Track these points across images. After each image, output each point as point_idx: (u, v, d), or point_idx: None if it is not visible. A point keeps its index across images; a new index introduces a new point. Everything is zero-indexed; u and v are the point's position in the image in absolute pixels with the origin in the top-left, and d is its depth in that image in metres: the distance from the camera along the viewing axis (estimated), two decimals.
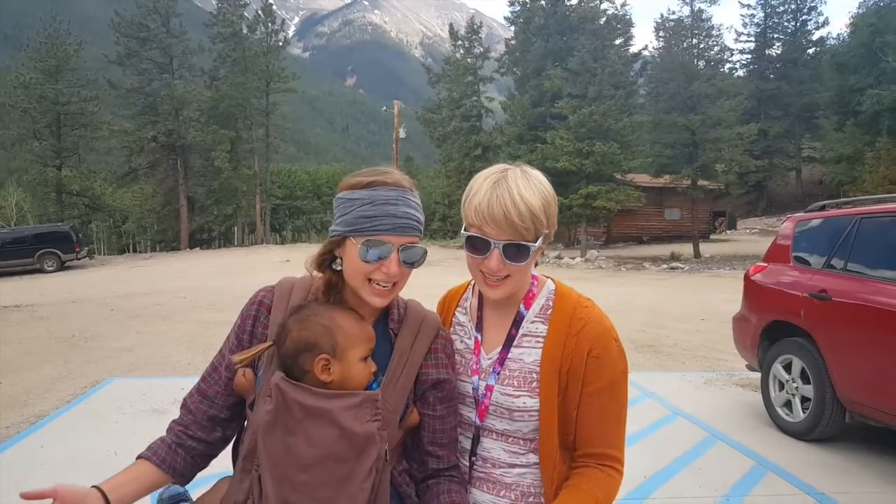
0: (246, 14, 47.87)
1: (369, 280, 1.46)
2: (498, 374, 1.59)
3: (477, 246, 1.50)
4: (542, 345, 1.57)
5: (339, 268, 1.51)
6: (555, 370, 1.54)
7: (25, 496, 1.23)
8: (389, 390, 1.47)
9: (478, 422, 1.62)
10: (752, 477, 4.46)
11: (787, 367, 5.38)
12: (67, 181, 39.31)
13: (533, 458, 1.61)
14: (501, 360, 1.60)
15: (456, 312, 1.74)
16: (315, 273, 1.56)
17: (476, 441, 1.64)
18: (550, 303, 1.62)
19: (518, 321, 1.61)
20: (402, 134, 40.65)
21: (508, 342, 1.61)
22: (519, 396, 1.56)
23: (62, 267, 27.78)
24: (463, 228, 1.56)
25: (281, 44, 49.67)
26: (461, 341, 1.69)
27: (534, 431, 1.58)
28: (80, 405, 6.44)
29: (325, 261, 1.53)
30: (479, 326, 1.67)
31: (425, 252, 1.51)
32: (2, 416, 6.09)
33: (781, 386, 5.46)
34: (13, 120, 40.21)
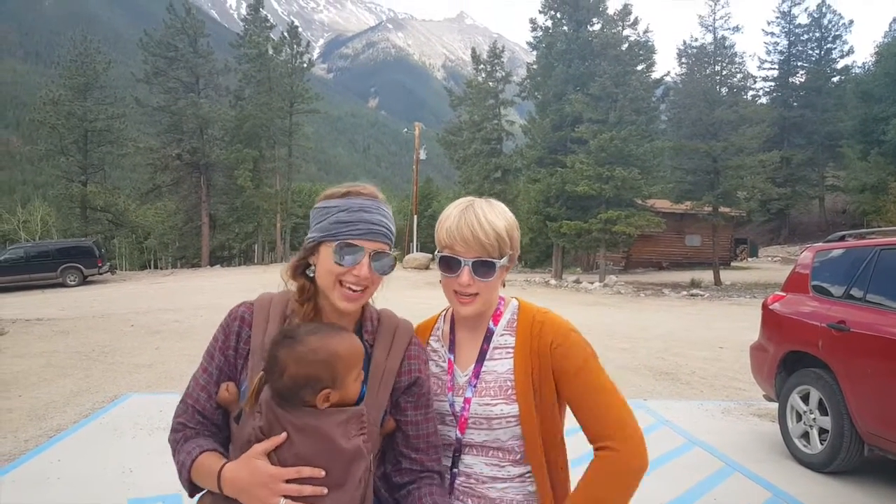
0: (272, 35, 48.62)
1: (340, 283, 1.50)
2: (474, 386, 1.69)
3: (449, 265, 1.67)
4: (512, 354, 1.70)
5: (312, 275, 1.56)
6: (527, 374, 1.66)
7: None
8: (370, 403, 1.51)
9: (458, 435, 1.69)
10: None
11: (805, 398, 5.32)
12: (92, 197, 40.12)
13: (514, 470, 1.67)
14: (476, 373, 1.71)
15: (430, 341, 1.83)
16: (290, 283, 1.61)
17: (457, 457, 1.70)
18: (515, 316, 1.76)
19: (489, 336, 1.74)
20: (422, 155, 40.97)
21: (481, 356, 1.72)
22: (496, 404, 1.66)
23: (84, 281, 28.01)
24: (436, 252, 1.72)
25: (305, 65, 50.55)
26: (436, 365, 1.78)
27: (513, 440, 1.67)
28: (98, 420, 6.49)
29: (300, 268, 1.59)
30: (452, 348, 1.78)
31: (395, 260, 1.59)
32: (20, 429, 6.16)
33: (799, 417, 5.40)
34: (41, 136, 41.17)
